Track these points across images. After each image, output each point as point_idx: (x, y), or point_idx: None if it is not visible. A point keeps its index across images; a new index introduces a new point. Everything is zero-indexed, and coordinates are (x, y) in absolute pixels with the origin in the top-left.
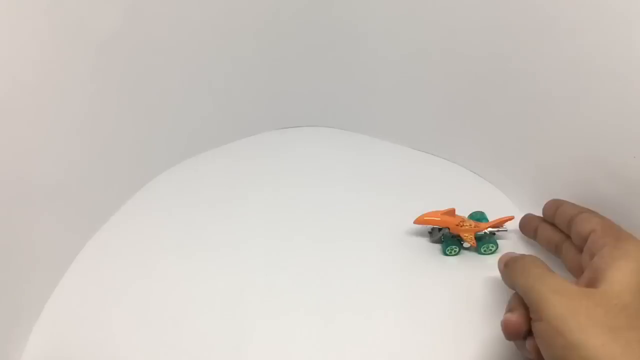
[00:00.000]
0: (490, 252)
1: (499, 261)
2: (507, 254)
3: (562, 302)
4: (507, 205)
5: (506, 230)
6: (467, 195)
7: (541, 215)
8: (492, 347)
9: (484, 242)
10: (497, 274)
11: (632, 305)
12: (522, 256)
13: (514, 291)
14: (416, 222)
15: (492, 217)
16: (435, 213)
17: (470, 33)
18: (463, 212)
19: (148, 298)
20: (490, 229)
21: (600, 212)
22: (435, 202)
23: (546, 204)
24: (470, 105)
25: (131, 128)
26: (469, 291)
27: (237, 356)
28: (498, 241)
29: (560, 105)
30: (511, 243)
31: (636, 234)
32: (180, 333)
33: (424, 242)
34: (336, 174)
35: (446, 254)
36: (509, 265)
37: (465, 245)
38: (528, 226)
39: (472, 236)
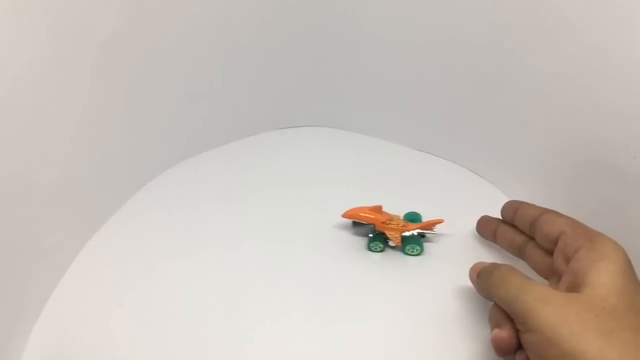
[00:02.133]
0: (414, 253)
1: (471, 271)
2: (478, 264)
3: (550, 310)
4: None
5: (435, 234)
6: (467, 195)
7: (491, 216)
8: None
9: (409, 243)
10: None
11: (619, 307)
12: (497, 266)
13: (493, 303)
14: (344, 215)
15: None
16: (362, 209)
17: (471, 33)
18: (466, 216)
19: (148, 298)
20: (419, 231)
21: (601, 212)
22: (435, 202)
23: (504, 205)
24: (470, 105)
25: (131, 128)
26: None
27: (237, 356)
28: (427, 244)
29: (561, 106)
30: (439, 246)
31: (636, 234)
32: (180, 333)
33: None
34: (336, 174)
35: (370, 250)
36: (483, 277)
37: (391, 244)
38: (486, 228)
39: (398, 235)
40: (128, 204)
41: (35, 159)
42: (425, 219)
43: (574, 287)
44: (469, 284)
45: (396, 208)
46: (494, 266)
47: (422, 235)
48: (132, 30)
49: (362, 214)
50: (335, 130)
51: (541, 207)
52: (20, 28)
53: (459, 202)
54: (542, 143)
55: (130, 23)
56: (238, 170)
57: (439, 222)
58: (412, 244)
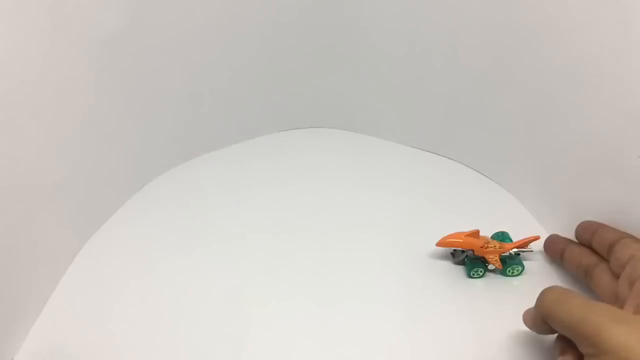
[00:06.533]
0: (516, 273)
1: (524, 315)
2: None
3: (626, 330)
4: (512, 203)
5: (531, 251)
6: (472, 194)
7: (559, 236)
8: None
9: (510, 264)
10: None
11: None
12: (549, 288)
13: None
14: (438, 244)
15: (499, 217)
16: (458, 235)
17: (474, 32)
18: (471, 215)
19: (147, 298)
20: (515, 250)
21: (605, 211)
22: (441, 203)
23: (580, 227)
24: (474, 104)
25: (131, 128)
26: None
27: (237, 355)
28: (524, 262)
29: (565, 104)
30: (537, 264)
31: None
32: (180, 333)
33: (427, 242)
34: (340, 175)
35: (471, 277)
36: (538, 303)
37: (490, 267)
38: (554, 248)
39: (497, 258)
40: (128, 204)
41: (35, 158)
42: (429, 219)
43: None
44: None
45: (402, 209)
46: (545, 290)
47: (517, 254)
48: (133, 30)
49: (458, 241)
50: (338, 131)
51: (621, 231)
52: (21, 28)
53: (464, 202)
54: (546, 142)
55: (131, 23)
56: (240, 171)
57: (535, 239)
58: (513, 265)
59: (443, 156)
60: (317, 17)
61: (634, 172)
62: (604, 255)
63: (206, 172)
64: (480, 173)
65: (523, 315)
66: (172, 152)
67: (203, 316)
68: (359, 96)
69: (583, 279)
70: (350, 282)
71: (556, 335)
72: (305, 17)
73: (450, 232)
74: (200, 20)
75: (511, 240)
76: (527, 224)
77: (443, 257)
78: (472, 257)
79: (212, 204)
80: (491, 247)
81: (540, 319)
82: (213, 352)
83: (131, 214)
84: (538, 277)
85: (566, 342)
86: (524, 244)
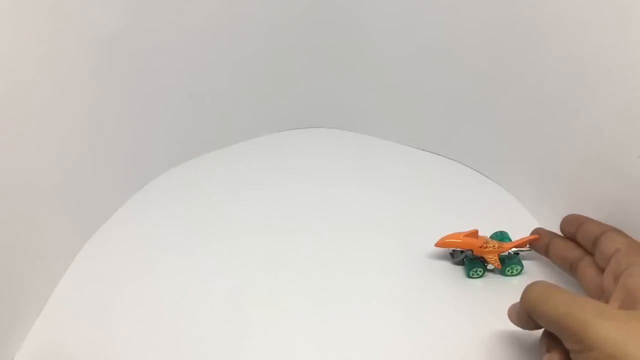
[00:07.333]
0: (515, 273)
1: (509, 310)
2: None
3: (612, 325)
4: (512, 203)
5: (530, 250)
6: (471, 194)
7: (545, 229)
8: None
9: (509, 263)
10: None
11: None
12: (533, 283)
13: (544, 330)
14: (437, 245)
15: (499, 217)
16: (457, 235)
17: (474, 32)
18: (471, 215)
19: (147, 298)
20: (514, 249)
21: (605, 211)
22: (441, 203)
23: (565, 220)
24: (474, 104)
25: (131, 128)
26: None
27: (237, 355)
28: (523, 261)
29: (565, 104)
30: (536, 263)
31: None
32: (180, 333)
33: (426, 242)
34: (340, 175)
35: (470, 277)
36: (522, 300)
37: (490, 267)
38: (539, 242)
39: (497, 257)
40: (128, 204)
41: (35, 158)
42: (429, 219)
43: (629, 304)
44: None
45: (402, 209)
46: (530, 285)
47: (516, 254)
48: (133, 30)
49: (457, 241)
50: (339, 131)
51: (606, 225)
52: (21, 28)
53: (464, 202)
54: (546, 142)
55: (131, 23)
56: (240, 171)
57: (534, 238)
58: (512, 265)
59: (443, 156)
60: (316, 17)
61: (634, 172)
62: (588, 249)
63: (206, 172)
64: (481, 173)
65: (508, 310)
66: (172, 152)
67: (203, 316)
68: (359, 96)
69: (568, 272)
70: (350, 282)
71: (542, 331)
72: (305, 16)
73: (450, 232)
74: (200, 20)
75: (510, 240)
76: (527, 224)
77: (442, 257)
78: (471, 257)
79: (212, 204)
80: (490, 246)
81: (525, 314)
82: (213, 352)
83: (131, 214)
84: (537, 276)
85: (552, 339)
86: (523, 243)
